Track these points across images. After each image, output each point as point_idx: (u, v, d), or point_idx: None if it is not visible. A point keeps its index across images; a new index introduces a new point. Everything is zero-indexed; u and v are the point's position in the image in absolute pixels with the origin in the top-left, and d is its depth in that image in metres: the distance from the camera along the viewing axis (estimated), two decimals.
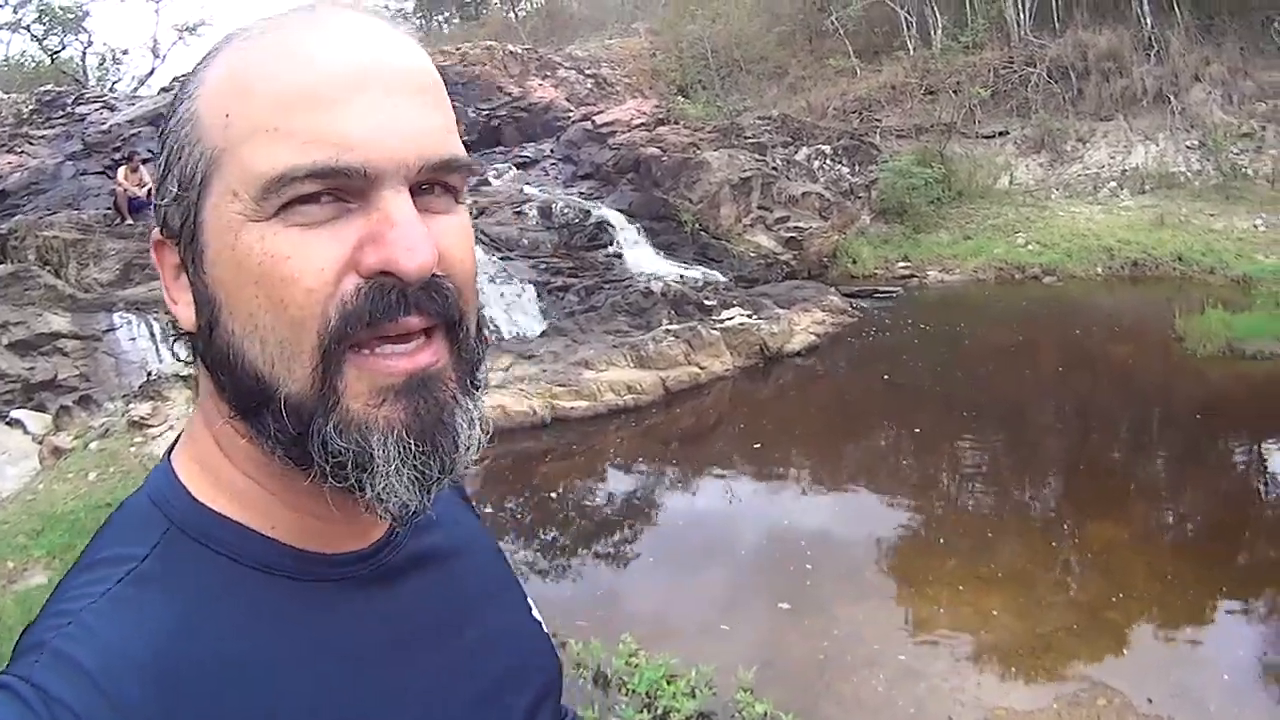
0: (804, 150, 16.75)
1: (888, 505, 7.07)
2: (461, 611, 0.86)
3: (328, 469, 0.68)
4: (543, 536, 7.19)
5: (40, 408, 9.07)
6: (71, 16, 28.89)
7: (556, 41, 26.39)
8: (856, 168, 16.77)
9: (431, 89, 0.72)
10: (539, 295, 12.70)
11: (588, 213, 14.48)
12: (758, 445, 8.52)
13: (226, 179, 0.67)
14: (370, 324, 0.67)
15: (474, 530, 0.99)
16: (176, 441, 0.81)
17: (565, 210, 14.45)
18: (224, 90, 0.69)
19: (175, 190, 0.71)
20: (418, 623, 0.82)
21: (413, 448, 0.69)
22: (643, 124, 17.45)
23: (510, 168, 17.37)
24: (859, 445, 8.77)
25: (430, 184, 0.71)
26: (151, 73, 31.37)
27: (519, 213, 14.41)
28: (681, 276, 13.48)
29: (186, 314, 0.73)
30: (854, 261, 14.90)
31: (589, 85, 21.49)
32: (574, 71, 21.79)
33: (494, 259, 13.09)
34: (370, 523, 0.78)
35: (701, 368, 10.16)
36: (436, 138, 0.70)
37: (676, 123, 17.58)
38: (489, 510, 7.75)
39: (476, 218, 14.00)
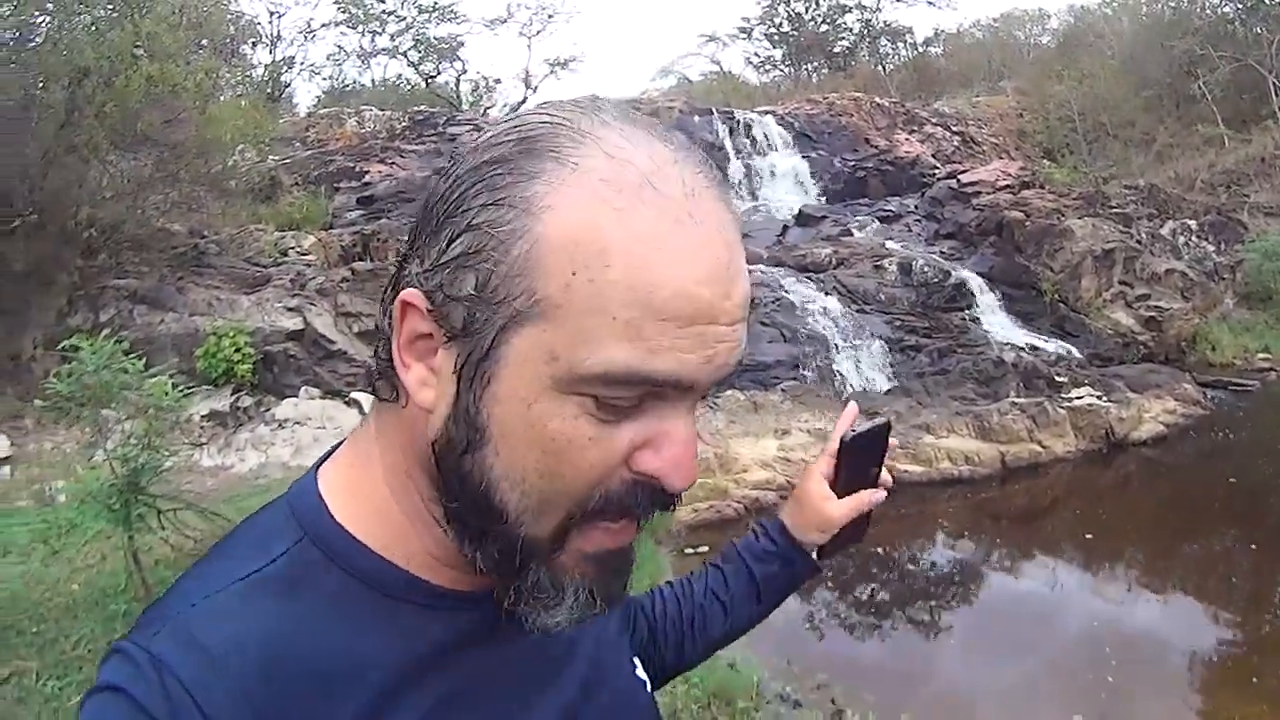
0: (1169, 224, 16.33)
1: (1206, 623, 6.66)
2: (567, 660, 0.89)
3: (521, 593, 0.73)
4: (856, 594, 7.41)
5: None
6: (446, 46, 30.59)
7: (923, 96, 26.69)
8: (1222, 246, 16.11)
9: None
10: (889, 352, 12.98)
11: (947, 273, 14.63)
12: (1089, 535, 8.40)
13: (550, 338, 0.65)
14: (622, 514, 0.72)
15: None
16: (327, 456, 0.85)
17: (925, 269, 14.71)
18: (581, 242, 0.63)
19: (470, 290, 0.67)
20: (532, 667, 0.84)
21: (593, 597, 0.74)
22: (1008, 186, 17.43)
23: (873, 220, 18.04)
24: (1191, 551, 8.27)
25: None
26: (524, 101, 31.95)
27: (878, 266, 14.85)
28: (1035, 348, 13.39)
29: (428, 395, 0.71)
30: (1212, 349, 14.27)
31: (955, 142, 21.85)
32: (940, 128, 22.22)
33: (849, 311, 13.60)
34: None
35: (1043, 446, 10.15)
36: (740, 353, 0.71)
37: (1042, 186, 17.42)
38: None
39: (835, 268, 14.93)
